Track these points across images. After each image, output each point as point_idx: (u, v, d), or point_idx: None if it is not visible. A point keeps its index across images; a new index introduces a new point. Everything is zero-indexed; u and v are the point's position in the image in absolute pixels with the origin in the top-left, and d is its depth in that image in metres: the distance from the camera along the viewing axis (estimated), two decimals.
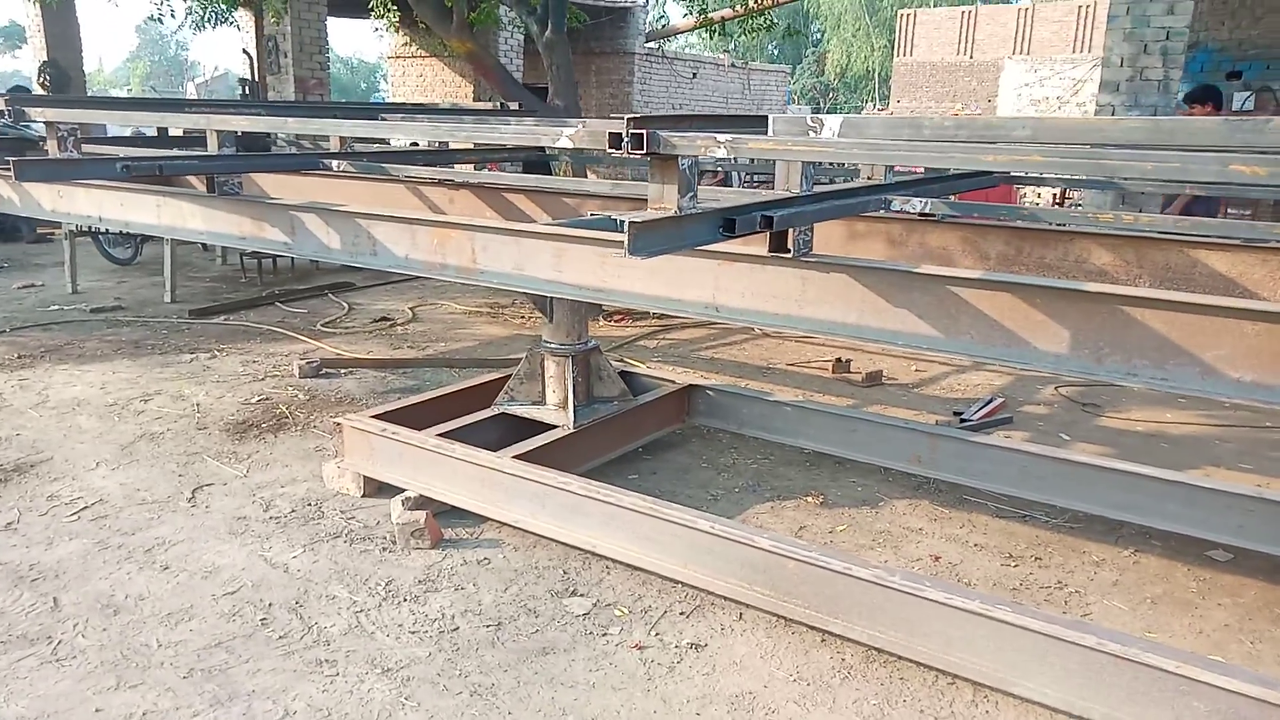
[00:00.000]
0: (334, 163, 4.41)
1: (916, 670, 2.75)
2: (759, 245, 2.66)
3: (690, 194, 2.18)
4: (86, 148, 4.40)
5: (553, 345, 4.08)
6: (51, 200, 4.81)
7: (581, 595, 3.17)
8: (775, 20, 12.56)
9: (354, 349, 6.44)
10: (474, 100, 15.47)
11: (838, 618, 2.79)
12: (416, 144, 6.41)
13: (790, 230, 2.57)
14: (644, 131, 2.01)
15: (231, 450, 4.44)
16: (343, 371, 5.83)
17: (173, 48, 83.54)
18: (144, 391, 5.32)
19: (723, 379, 5.61)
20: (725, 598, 3.09)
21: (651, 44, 17.59)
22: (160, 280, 8.64)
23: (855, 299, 2.61)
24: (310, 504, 3.86)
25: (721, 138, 2.04)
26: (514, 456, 3.57)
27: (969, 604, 2.54)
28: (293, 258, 9.16)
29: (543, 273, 3.15)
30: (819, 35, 50.02)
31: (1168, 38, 6.83)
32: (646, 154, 2.05)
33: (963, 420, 5.13)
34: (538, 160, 7.25)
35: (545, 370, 4.13)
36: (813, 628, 2.91)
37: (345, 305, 7.91)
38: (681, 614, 3.07)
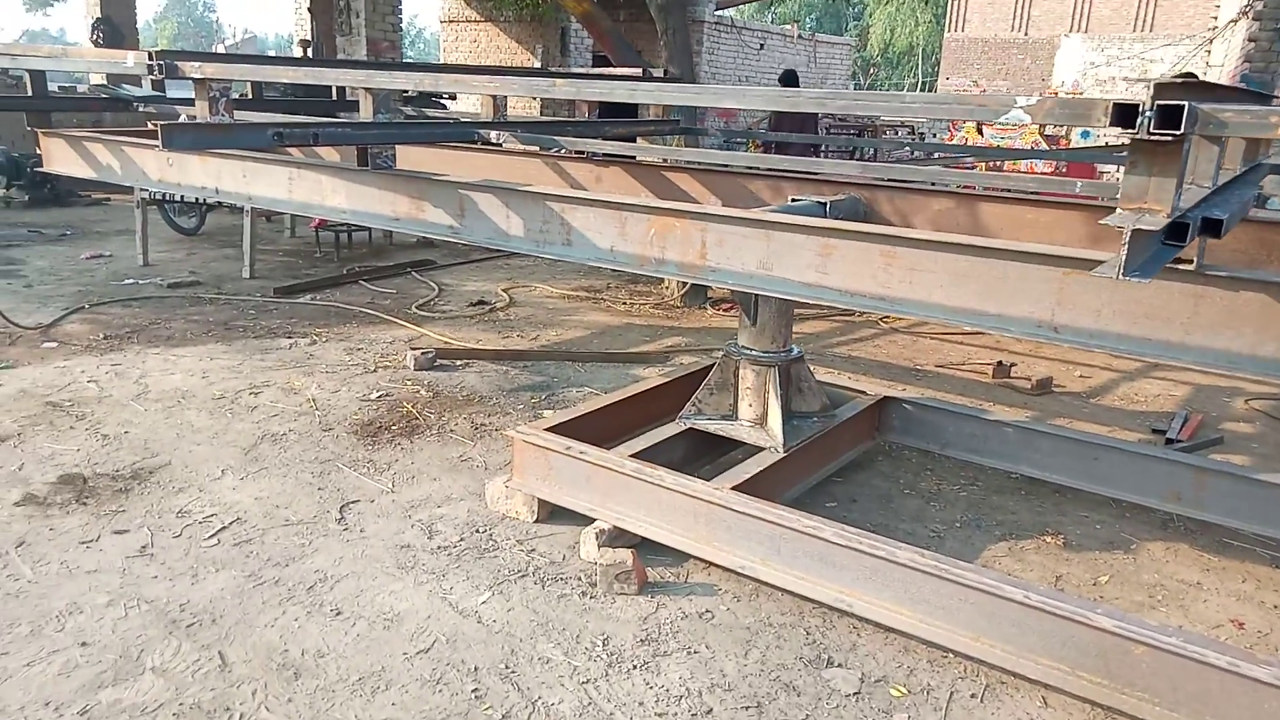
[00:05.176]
0: (493, 134, 3.85)
1: None
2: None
3: (1179, 192, 1.61)
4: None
5: (754, 352, 3.51)
6: (159, 169, 4.29)
7: (841, 666, 2.64)
8: None
9: (459, 336, 5.91)
10: (543, 67, 14.79)
11: None
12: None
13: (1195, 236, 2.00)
14: (1183, 103, 1.44)
15: (367, 458, 3.92)
16: (458, 363, 5.30)
17: (200, 8, 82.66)
18: (250, 383, 4.80)
19: (873, 382, 5.04)
20: (1022, 676, 2.55)
21: (721, 12, 16.83)
22: (230, 253, 8.17)
23: (1276, 325, 2.05)
24: (478, 530, 3.33)
25: None
26: (732, 487, 3.03)
27: None
28: (388, 234, 8.63)
29: (801, 274, 2.61)
30: (860, 8, 48.87)
31: None
32: (1182, 135, 1.47)
33: (1169, 440, 4.56)
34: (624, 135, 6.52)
35: (741, 381, 3.57)
36: None
37: (434, 286, 7.37)
38: (972, 696, 2.53)
